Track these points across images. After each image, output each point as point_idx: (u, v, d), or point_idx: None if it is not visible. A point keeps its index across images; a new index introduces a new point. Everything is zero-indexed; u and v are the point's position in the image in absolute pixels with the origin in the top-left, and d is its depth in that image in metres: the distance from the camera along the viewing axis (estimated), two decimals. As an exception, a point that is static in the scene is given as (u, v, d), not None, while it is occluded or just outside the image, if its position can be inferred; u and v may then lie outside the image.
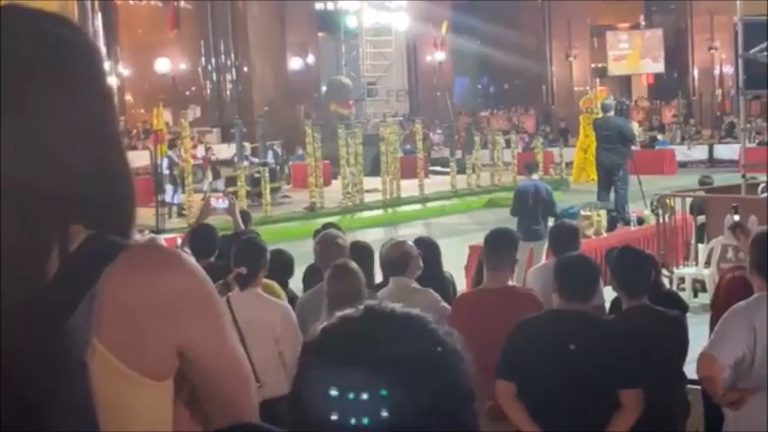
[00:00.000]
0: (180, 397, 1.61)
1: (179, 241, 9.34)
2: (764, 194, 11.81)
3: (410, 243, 6.44)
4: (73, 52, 1.56)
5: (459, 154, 28.88)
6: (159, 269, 1.53)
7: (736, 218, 6.58)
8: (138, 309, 1.49)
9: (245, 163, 24.00)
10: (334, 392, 1.20)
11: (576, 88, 42.34)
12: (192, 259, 1.63)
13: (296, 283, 7.49)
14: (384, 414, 1.19)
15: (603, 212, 14.43)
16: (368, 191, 24.58)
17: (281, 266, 6.87)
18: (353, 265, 5.39)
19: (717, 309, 5.56)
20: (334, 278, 5.25)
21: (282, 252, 7.23)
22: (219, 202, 7.85)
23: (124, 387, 1.49)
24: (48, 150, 1.49)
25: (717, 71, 42.36)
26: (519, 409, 4.82)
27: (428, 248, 7.06)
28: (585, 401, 4.64)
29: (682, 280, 12.38)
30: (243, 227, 7.57)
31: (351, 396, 1.20)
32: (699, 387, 5.33)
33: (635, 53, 44.86)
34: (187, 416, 1.65)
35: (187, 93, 36.89)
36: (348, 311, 1.30)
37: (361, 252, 6.66)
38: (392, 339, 1.25)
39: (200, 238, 7.19)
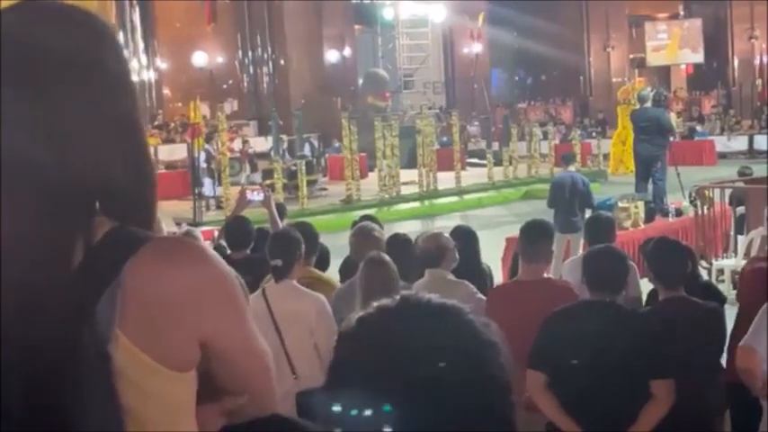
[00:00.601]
0: (207, 393, 1.62)
1: (216, 234, 9.37)
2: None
3: (446, 235, 6.43)
4: (103, 47, 1.58)
5: (496, 146, 28.80)
6: (182, 262, 1.54)
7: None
8: (161, 301, 1.50)
9: (282, 158, 24.08)
10: (366, 385, 1.20)
11: (613, 79, 42.08)
12: (214, 252, 1.64)
13: (332, 275, 7.49)
14: (421, 408, 1.19)
15: (641, 204, 14.34)
16: (404, 183, 24.56)
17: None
18: (386, 257, 5.39)
19: (742, 303, 5.50)
20: (367, 270, 5.26)
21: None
22: (255, 195, 7.86)
23: (147, 378, 1.49)
24: (76, 142, 1.51)
25: (757, 61, 41.94)
26: (549, 399, 4.82)
27: (466, 239, 7.04)
28: (616, 392, 4.63)
29: (720, 272, 12.28)
30: (279, 219, 7.59)
31: (385, 389, 1.19)
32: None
33: (674, 43, 44.52)
34: (212, 409, 1.65)
35: (224, 86, 37.04)
36: (384, 301, 1.30)
37: (400, 245, 6.65)
38: (428, 330, 1.24)
39: (236, 230, 7.21)
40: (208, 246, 1.67)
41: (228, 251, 7.06)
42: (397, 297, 1.31)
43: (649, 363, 4.66)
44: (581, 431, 4.72)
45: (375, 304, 1.31)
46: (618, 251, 5.31)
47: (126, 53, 1.65)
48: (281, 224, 7.37)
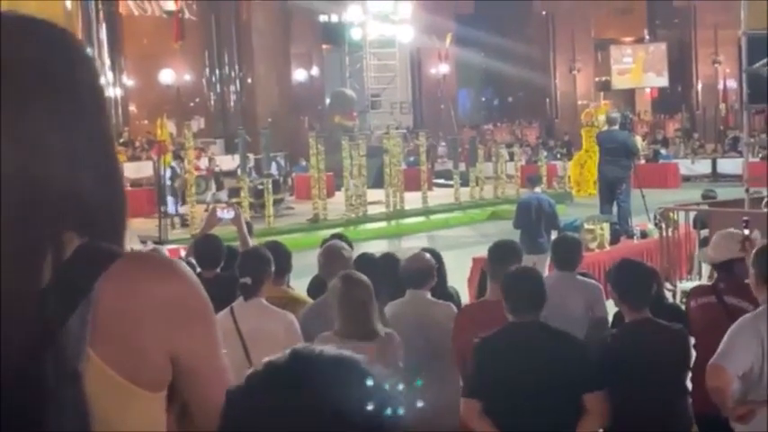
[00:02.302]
0: (172, 410, 1.60)
1: (182, 252, 9.32)
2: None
3: (428, 255, 6.42)
4: (79, 62, 1.57)
5: (462, 166, 28.90)
6: (155, 278, 1.53)
7: (746, 232, 6.58)
8: (134, 317, 1.48)
9: (249, 177, 24.04)
10: None
11: (579, 102, 42.43)
12: (187, 267, 1.61)
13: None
14: None
15: (606, 226, 14.42)
16: (371, 203, 24.58)
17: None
18: (363, 276, 5.38)
19: (698, 340, 5.52)
20: (344, 290, 5.23)
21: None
22: (225, 213, 7.82)
23: (118, 397, 1.47)
24: (49, 157, 1.49)
25: (720, 85, 42.37)
26: (486, 425, 4.83)
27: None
28: (551, 409, 4.67)
29: (685, 294, 12.34)
30: (249, 237, 7.56)
31: None
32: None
33: (638, 67, 44.97)
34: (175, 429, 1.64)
35: (191, 104, 36.97)
36: (274, 357, 1.24)
37: (367, 264, 6.64)
38: (319, 386, 1.18)
39: (206, 248, 7.16)
40: (179, 261, 1.64)
41: (198, 269, 7.02)
42: (287, 351, 1.25)
43: (579, 377, 4.72)
44: None
45: (264, 360, 1.25)
46: (533, 271, 5.35)
47: (98, 66, 1.64)
48: (252, 242, 7.34)
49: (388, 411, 1.19)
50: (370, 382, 1.20)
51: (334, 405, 1.16)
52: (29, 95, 1.49)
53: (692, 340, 5.44)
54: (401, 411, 1.20)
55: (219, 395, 1.49)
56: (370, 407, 1.17)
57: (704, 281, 11.96)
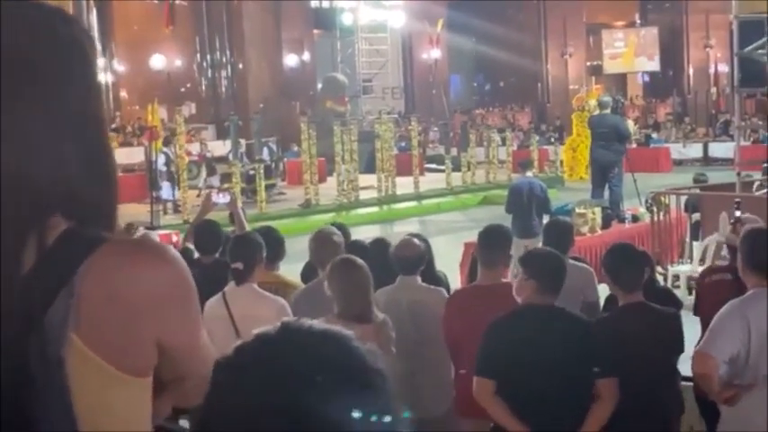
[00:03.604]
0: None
1: (174, 237, 9.32)
2: (762, 191, 11.83)
3: (418, 241, 6.42)
4: (68, 46, 1.55)
5: (454, 151, 28.89)
6: (140, 263, 1.51)
7: (738, 213, 6.58)
8: (118, 303, 1.46)
9: (241, 162, 24.00)
10: (245, 416, 1.14)
11: (571, 86, 42.38)
12: (173, 252, 1.59)
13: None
14: None
15: (598, 210, 14.44)
16: (363, 188, 24.57)
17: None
18: (360, 260, 5.38)
19: (707, 315, 5.50)
20: (342, 274, 5.23)
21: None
22: (220, 197, 7.82)
23: (103, 383, 1.46)
24: (36, 142, 1.47)
25: (712, 69, 42.45)
26: (498, 405, 4.85)
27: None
28: (563, 394, 4.69)
29: (676, 278, 12.40)
30: (245, 221, 7.54)
31: (266, 421, 1.13)
32: (690, 384, 5.36)
33: (630, 51, 44.96)
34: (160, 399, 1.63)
35: (182, 89, 36.86)
36: (264, 329, 1.22)
37: (358, 251, 6.64)
38: (309, 358, 1.17)
39: (205, 234, 7.14)
40: (167, 246, 1.62)
41: (197, 254, 7.01)
42: (278, 324, 1.22)
43: (593, 363, 4.72)
44: None
45: (254, 332, 1.22)
46: (557, 254, 5.35)
47: (89, 47, 1.61)
48: (247, 227, 7.33)
49: (378, 382, 1.18)
50: (359, 355, 1.19)
51: (323, 376, 1.14)
52: (13, 81, 1.47)
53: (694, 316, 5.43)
54: (389, 384, 1.19)
55: (206, 369, 1.49)
56: (359, 379, 1.17)
57: (695, 265, 12.01)
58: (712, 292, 5.83)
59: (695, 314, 6.22)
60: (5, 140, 1.45)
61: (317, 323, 1.23)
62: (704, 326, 5.41)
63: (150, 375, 1.54)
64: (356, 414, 1.13)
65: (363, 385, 1.17)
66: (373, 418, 1.14)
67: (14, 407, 1.40)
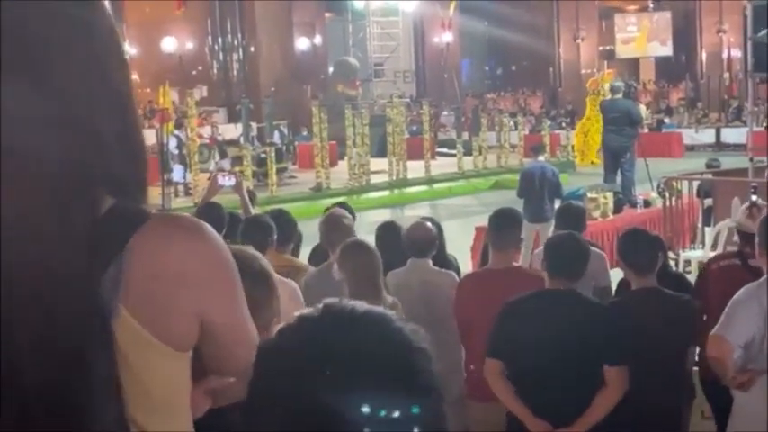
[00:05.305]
0: (194, 373, 1.63)
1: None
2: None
3: (429, 224, 6.41)
4: (97, 24, 1.56)
5: (465, 135, 28.84)
6: (186, 238, 1.56)
7: (754, 198, 6.54)
8: (164, 276, 1.50)
9: (252, 145, 23.99)
10: (289, 399, 1.15)
11: (583, 71, 42.23)
12: (213, 230, 1.63)
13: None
14: (351, 420, 1.12)
15: (610, 195, 14.42)
16: (374, 172, 24.56)
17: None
18: (370, 244, 5.38)
19: (713, 301, 5.46)
20: (353, 257, 5.22)
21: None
22: (226, 180, 7.82)
23: (147, 354, 1.50)
24: (73, 120, 1.48)
25: (725, 54, 42.20)
26: (504, 386, 4.86)
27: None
28: (571, 379, 4.67)
29: (688, 263, 12.36)
30: (251, 204, 7.53)
31: (309, 402, 1.14)
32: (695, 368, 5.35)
33: (643, 36, 44.75)
34: (198, 389, 1.67)
35: (194, 72, 36.86)
36: (306, 311, 1.25)
37: (392, 232, 6.65)
38: (352, 340, 1.18)
39: (208, 216, 7.13)
40: (206, 224, 1.65)
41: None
42: (320, 305, 1.24)
43: (604, 349, 4.70)
44: (535, 418, 4.75)
45: (296, 314, 1.25)
46: (579, 238, 5.32)
47: (108, 25, 1.61)
48: (253, 210, 7.31)
49: (422, 362, 1.19)
50: (402, 336, 1.20)
51: (367, 358, 1.16)
52: (52, 61, 1.47)
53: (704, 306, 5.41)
54: (433, 364, 1.21)
55: (248, 353, 1.48)
56: (402, 359, 1.18)
57: (707, 250, 11.97)
58: (720, 279, 5.80)
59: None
60: (48, 117, 1.46)
61: (359, 304, 1.24)
62: (707, 312, 5.39)
63: (189, 351, 1.58)
64: (401, 395, 1.14)
65: (407, 366, 1.17)
66: (417, 398, 1.15)
67: (65, 377, 1.41)
